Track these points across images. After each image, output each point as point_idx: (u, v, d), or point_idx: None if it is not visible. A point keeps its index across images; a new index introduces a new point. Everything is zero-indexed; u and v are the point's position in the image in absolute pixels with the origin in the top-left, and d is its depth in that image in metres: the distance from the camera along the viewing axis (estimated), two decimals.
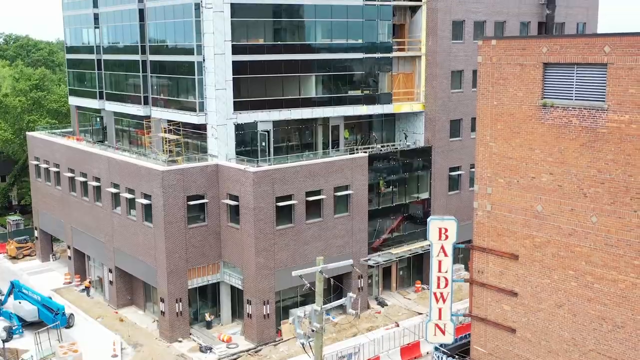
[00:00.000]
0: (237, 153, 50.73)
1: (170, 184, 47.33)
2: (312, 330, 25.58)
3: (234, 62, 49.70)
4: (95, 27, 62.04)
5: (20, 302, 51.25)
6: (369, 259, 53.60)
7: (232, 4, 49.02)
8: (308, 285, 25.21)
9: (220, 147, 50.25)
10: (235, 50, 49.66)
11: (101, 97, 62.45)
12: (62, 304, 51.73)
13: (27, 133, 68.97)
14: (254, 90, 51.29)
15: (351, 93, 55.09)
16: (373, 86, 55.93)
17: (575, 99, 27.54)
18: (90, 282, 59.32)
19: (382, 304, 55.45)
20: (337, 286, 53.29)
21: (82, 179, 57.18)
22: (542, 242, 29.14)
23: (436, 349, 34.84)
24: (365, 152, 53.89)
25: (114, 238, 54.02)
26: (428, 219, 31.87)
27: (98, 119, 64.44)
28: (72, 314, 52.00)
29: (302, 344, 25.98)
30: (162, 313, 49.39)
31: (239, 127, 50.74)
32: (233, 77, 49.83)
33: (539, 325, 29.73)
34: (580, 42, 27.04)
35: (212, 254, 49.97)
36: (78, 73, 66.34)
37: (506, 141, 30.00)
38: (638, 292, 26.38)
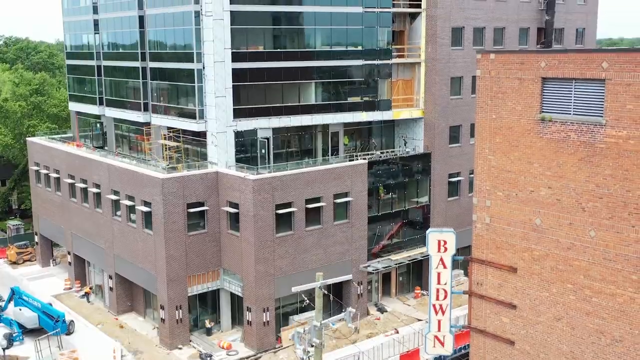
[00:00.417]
0: (237, 160, 50.88)
1: (171, 191, 47.45)
2: (312, 345, 25.72)
3: (233, 70, 49.86)
4: (95, 33, 62.16)
5: (20, 309, 51.36)
6: (368, 266, 53.71)
7: (231, 12, 49.17)
8: (307, 301, 25.29)
9: (220, 155, 50.38)
10: (235, 57, 49.82)
11: (101, 103, 62.58)
12: (63, 311, 51.82)
13: (27, 139, 69.08)
14: (254, 97, 51.42)
15: (351, 100, 55.23)
16: (372, 93, 56.04)
17: (574, 114, 27.64)
18: (90, 288, 59.45)
19: (381, 310, 55.58)
20: (336, 291, 53.46)
21: (83, 186, 57.31)
22: (540, 255, 29.26)
23: None
24: (365, 158, 54.02)
25: (114, 245, 54.14)
26: (427, 231, 31.98)
27: (98, 125, 64.57)
28: (72, 321, 52.15)
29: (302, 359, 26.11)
30: (162, 320, 49.52)
31: (238, 135, 50.88)
32: (233, 85, 49.99)
33: (537, 338, 29.86)
34: (579, 58, 27.14)
35: (212, 261, 50.10)
36: (78, 79, 66.46)
37: (505, 154, 30.12)
38: (636, 306, 26.50)
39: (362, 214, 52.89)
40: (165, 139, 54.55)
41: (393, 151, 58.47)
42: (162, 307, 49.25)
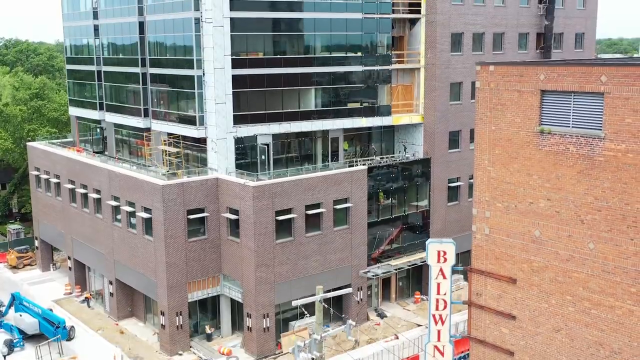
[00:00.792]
0: (237, 165, 51.00)
1: (171, 197, 47.55)
2: (312, 359, 25.85)
3: (233, 76, 50.02)
4: (96, 38, 62.22)
5: (21, 315, 51.47)
6: (368, 271, 53.83)
7: (231, 19, 49.29)
8: (307, 315, 25.41)
9: (220, 161, 50.49)
10: (235, 64, 49.96)
11: (101, 108, 62.66)
12: (63, 317, 51.88)
13: (27, 143, 69.15)
14: (254, 103, 51.53)
15: (350, 105, 55.35)
16: (372, 98, 56.17)
17: (573, 127, 27.73)
18: (90, 294, 59.56)
19: (381, 315, 55.69)
20: (337, 296, 53.53)
21: (83, 191, 57.41)
22: (540, 266, 29.37)
23: None
24: (365, 164, 54.12)
25: (114, 250, 54.25)
26: (427, 242, 32.09)
27: (98, 130, 64.65)
28: (72, 327, 52.24)
29: None
30: (163, 326, 49.64)
31: (238, 141, 50.99)
32: (233, 91, 50.14)
33: (537, 349, 29.98)
34: (577, 71, 27.22)
35: (212, 267, 50.21)
36: (78, 84, 66.54)
37: (504, 166, 30.22)
38: (635, 319, 26.62)
39: (362, 219, 53.01)
40: (165, 144, 54.66)
41: (393, 156, 58.57)
42: (162, 314, 49.37)
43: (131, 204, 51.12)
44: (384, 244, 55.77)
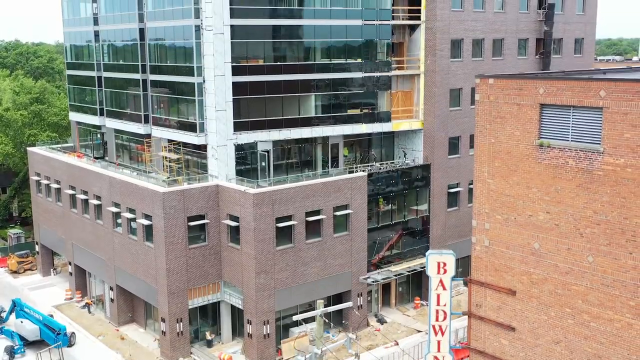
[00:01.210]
0: (237, 172, 51.13)
1: (171, 204, 47.68)
2: None
3: (233, 83, 50.15)
4: (96, 44, 62.33)
5: (22, 321, 51.61)
6: (368, 277, 53.98)
7: (232, 26, 49.39)
8: (309, 330, 25.53)
9: (221, 168, 50.62)
10: (235, 71, 50.08)
11: (102, 114, 62.80)
12: (64, 324, 51.95)
13: (28, 149, 69.26)
14: (254, 110, 51.65)
15: (350, 112, 55.48)
16: (372, 104, 56.29)
17: (572, 141, 27.86)
18: (91, 300, 59.69)
19: (381, 321, 55.83)
20: (337, 300, 53.73)
21: (83, 197, 57.54)
22: (539, 279, 29.51)
23: None
24: (365, 170, 54.25)
25: (115, 256, 54.38)
26: (426, 254, 32.19)
27: (99, 135, 64.77)
28: (73, 333, 52.38)
29: None
30: (163, 333, 49.77)
31: (239, 148, 51.11)
32: (233, 98, 50.22)
33: None
34: (576, 85, 27.33)
35: (212, 273, 50.36)
36: (78, 89, 66.64)
37: (504, 178, 30.35)
38: (634, 332, 26.76)
39: (362, 225, 53.16)
40: (165, 151, 54.78)
41: (393, 162, 58.71)
42: (162, 320, 49.50)
43: (132, 211, 51.25)
44: (384, 250, 55.91)
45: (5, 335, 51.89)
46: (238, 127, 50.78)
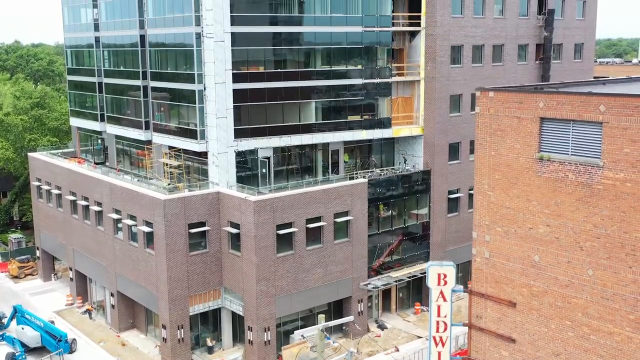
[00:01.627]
0: (238, 179, 51.23)
1: (172, 212, 47.79)
2: None
3: (234, 90, 50.22)
4: (97, 50, 62.41)
5: (23, 328, 51.71)
6: (368, 284, 54.10)
7: (232, 33, 49.46)
8: (310, 344, 25.64)
9: (221, 175, 50.72)
10: (236, 78, 50.17)
11: (102, 120, 62.89)
12: (65, 331, 52.05)
13: (28, 154, 69.37)
14: (255, 117, 51.76)
15: (351, 118, 55.56)
16: (372, 111, 56.39)
17: (572, 154, 27.98)
18: (92, 306, 59.80)
19: (381, 327, 55.96)
20: (337, 306, 53.91)
21: (84, 203, 57.65)
22: (539, 291, 29.64)
23: None
24: (365, 176, 54.35)
25: (116, 263, 54.50)
26: (427, 265, 32.33)
27: (99, 140, 64.87)
28: (74, 339, 52.43)
29: None
30: (164, 339, 49.89)
31: (239, 154, 51.22)
32: (233, 105, 50.31)
33: None
34: (576, 100, 27.45)
35: (213, 280, 50.47)
36: (79, 95, 66.74)
37: (504, 191, 30.47)
38: (633, 345, 26.89)
39: (363, 232, 53.27)
40: (166, 157, 54.89)
41: (393, 168, 58.82)
42: (163, 327, 49.62)
43: (132, 217, 51.37)
44: (384, 255, 56.03)
45: (7, 342, 51.97)
46: (239, 134, 50.88)
